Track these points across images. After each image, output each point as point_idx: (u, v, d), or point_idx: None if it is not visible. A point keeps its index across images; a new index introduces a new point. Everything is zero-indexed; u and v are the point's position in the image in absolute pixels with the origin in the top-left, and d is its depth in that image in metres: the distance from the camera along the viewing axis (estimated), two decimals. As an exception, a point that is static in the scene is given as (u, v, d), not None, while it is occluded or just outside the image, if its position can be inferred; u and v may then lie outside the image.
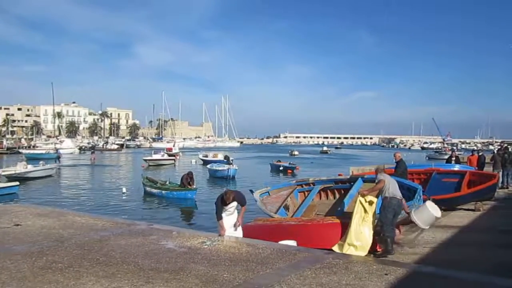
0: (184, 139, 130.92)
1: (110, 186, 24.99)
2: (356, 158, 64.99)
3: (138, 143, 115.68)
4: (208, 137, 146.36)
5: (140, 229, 7.82)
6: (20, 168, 26.46)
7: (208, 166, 33.41)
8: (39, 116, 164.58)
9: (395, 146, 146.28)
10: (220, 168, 30.25)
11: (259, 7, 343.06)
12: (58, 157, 48.67)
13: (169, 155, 50.80)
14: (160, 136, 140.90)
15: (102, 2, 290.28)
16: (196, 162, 47.27)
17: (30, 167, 27.38)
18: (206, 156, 46.55)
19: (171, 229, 8.06)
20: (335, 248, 7.11)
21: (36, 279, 4.84)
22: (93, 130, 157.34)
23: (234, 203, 7.53)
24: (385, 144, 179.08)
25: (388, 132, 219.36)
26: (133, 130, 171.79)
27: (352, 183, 10.49)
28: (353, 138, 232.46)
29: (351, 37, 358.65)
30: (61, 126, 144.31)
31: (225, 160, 34.45)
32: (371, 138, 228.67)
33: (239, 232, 7.61)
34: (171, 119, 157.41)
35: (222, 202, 7.42)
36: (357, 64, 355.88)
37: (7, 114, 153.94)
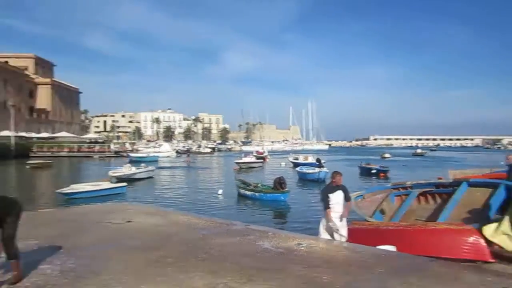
0: (272, 142, 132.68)
1: (205, 188, 26.22)
2: (454, 161, 60.52)
3: (229, 147, 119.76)
4: (296, 140, 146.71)
5: (237, 229, 8.09)
6: (126, 170, 28.97)
7: (298, 168, 33.46)
8: (139, 122, 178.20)
9: (501, 148, 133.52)
10: (310, 171, 30.14)
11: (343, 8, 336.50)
12: (156, 160, 52.19)
13: (258, 158, 51.91)
14: (249, 139, 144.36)
15: (190, 12, 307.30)
16: (285, 164, 47.66)
17: (134, 169, 29.85)
18: (297, 158, 46.73)
19: (266, 230, 8.23)
20: (486, 233, 6.65)
21: (149, 271, 5.26)
22: (187, 134, 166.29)
23: (340, 194, 7.57)
24: (489, 146, 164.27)
25: (491, 132, 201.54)
26: (224, 134, 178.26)
27: (455, 187, 9.78)
28: (451, 139, 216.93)
29: (443, 33, 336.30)
30: (159, 131, 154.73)
31: (317, 163, 34.23)
32: (472, 139, 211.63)
33: (344, 230, 7.66)
34: (259, 122, 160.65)
35: (328, 190, 7.58)
36: (450, 61, 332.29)
37: (113, 121, 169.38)
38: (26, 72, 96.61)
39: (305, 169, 31.43)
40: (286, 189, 19.33)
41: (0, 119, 78.82)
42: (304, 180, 29.45)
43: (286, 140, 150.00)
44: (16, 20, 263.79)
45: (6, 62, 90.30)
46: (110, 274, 5.13)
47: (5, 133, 66.75)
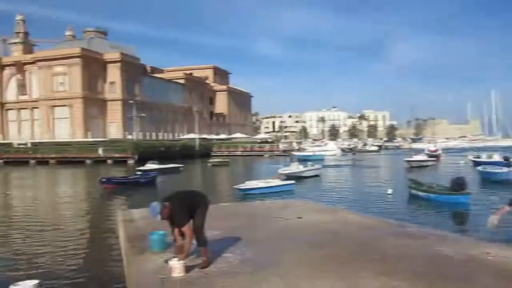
0: (446, 138, 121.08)
1: (373, 187, 25.42)
2: None
3: (397, 144, 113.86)
4: (476, 136, 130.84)
5: (411, 231, 7.57)
6: (294, 168, 30.15)
7: (480, 168, 29.77)
8: (305, 122, 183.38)
9: None
10: (497, 171, 26.50)
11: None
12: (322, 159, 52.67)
13: (430, 156, 47.96)
14: (419, 136, 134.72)
15: (351, 8, 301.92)
16: (465, 163, 42.92)
17: (301, 167, 30.84)
18: (478, 156, 41.66)
19: (445, 234, 7.50)
20: None
21: (319, 266, 5.32)
22: (352, 132, 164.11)
23: None
24: None
25: None
26: (391, 131, 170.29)
27: None
28: None
29: None
30: (324, 130, 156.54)
31: (504, 161, 29.91)
32: None
33: None
34: (431, 118, 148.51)
35: None
36: None
37: (281, 122, 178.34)
38: (207, 81, 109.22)
39: (489, 168, 27.74)
40: (467, 191, 17.37)
41: (187, 124, 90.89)
42: (489, 181, 26.01)
43: (463, 136, 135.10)
44: (196, 35, 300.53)
45: (191, 73, 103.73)
46: (285, 266, 5.36)
47: (191, 135, 76.55)
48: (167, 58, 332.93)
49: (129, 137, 68.44)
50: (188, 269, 5.07)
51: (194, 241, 5.40)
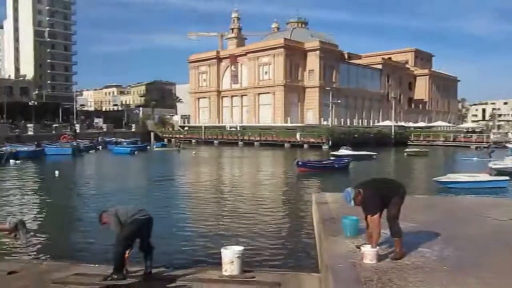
0: None
1: None
2: None
3: None
4: None
5: None
6: (510, 162, 25.99)
7: None
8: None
9: None
10: None
11: None
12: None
13: None
14: None
15: None
16: None
17: (517, 163, 26.33)
18: None
19: None
20: None
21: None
22: None
23: None
24: None
25: None
26: None
27: None
28: None
29: None
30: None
31: None
32: None
33: None
34: None
35: None
36: None
37: (493, 109, 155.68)
38: (407, 66, 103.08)
39: None
40: None
41: (383, 110, 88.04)
42: None
43: None
44: (396, 18, 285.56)
45: (390, 58, 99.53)
46: (489, 271, 4.74)
47: (387, 123, 73.84)
48: (365, 44, 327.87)
49: (324, 123, 70.35)
50: (380, 258, 4.97)
51: (387, 231, 5.25)
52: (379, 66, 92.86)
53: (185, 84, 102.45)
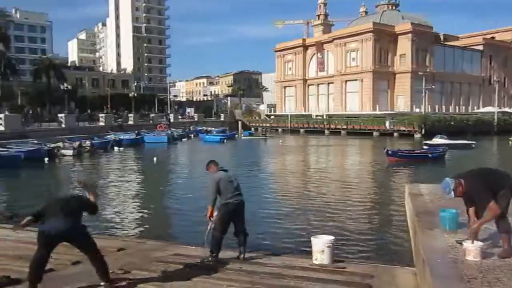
0: None
1: None
2: None
3: None
4: None
5: None
6: None
7: None
8: None
9: None
10: None
11: None
12: None
13: None
14: None
15: None
16: None
17: None
18: None
19: None
20: None
21: None
22: None
23: None
24: None
25: None
26: None
27: None
28: None
29: None
30: None
31: None
32: None
33: None
34: None
35: None
36: None
37: None
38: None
39: None
40: None
41: (484, 95, 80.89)
42: None
43: None
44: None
45: (492, 38, 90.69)
46: None
47: (488, 109, 67.75)
48: (463, 24, 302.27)
49: (417, 110, 66.51)
50: (485, 255, 4.64)
51: (493, 226, 4.87)
52: (480, 47, 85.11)
53: (271, 73, 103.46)
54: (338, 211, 12.91)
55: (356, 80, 75.17)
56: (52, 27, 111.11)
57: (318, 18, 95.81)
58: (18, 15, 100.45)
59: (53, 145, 30.44)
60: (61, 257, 5.92)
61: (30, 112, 52.24)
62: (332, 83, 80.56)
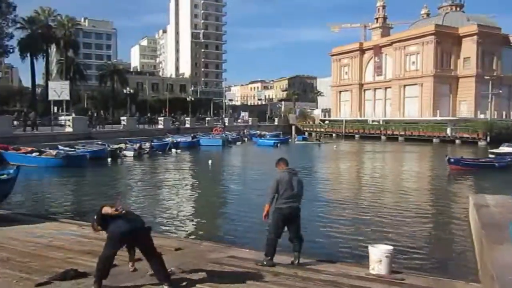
0: None
1: None
2: None
3: None
4: None
5: None
6: None
7: None
8: None
9: None
10: None
11: None
12: None
13: None
14: None
15: None
16: None
17: None
18: None
19: None
20: None
21: None
22: None
23: None
24: None
25: None
26: None
27: None
28: None
29: None
30: None
31: None
32: None
33: None
34: None
35: None
36: None
37: None
38: None
39: None
40: None
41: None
42: None
43: None
44: None
45: None
46: None
47: None
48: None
49: (481, 116, 62.86)
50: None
51: None
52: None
53: (326, 78, 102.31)
54: (395, 220, 12.47)
55: (415, 84, 72.43)
56: (117, 34, 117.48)
57: (377, 21, 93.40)
58: (86, 23, 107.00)
59: (116, 146, 32.02)
60: (122, 253, 6.19)
61: (95, 114, 55.27)
62: (389, 87, 78.20)
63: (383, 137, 62.34)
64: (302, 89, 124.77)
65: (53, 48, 75.47)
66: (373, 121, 72.74)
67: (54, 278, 5.25)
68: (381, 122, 69.85)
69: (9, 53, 57.21)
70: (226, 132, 55.57)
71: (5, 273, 5.52)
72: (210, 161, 27.99)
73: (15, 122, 36.00)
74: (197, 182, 21.24)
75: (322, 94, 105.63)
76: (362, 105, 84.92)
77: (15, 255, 6.56)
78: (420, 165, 32.34)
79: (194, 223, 11.93)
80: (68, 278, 5.28)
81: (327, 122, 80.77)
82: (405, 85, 74.63)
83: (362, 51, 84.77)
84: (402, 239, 10.21)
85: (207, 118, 70.07)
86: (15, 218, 10.37)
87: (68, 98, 38.40)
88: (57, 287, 5.06)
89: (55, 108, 45.71)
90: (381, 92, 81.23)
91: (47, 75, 66.54)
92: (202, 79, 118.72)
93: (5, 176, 10.58)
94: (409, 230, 11.25)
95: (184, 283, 5.28)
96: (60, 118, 43.20)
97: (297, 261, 6.44)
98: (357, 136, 66.88)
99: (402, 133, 60.45)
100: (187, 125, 57.31)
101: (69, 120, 36.88)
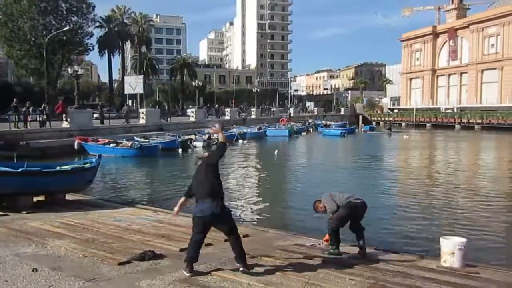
0: None
1: None
2: None
3: None
4: None
5: None
6: None
7: None
8: None
9: None
10: None
11: None
12: None
13: None
14: None
15: None
16: None
17: None
18: None
19: None
20: None
21: None
22: None
23: None
24: None
25: None
26: None
27: None
28: None
29: None
30: None
31: None
32: None
33: None
34: None
35: None
36: None
37: None
38: None
39: None
40: None
41: None
42: None
43: None
44: None
45: None
46: None
47: None
48: None
49: None
50: None
51: None
52: None
53: (395, 65, 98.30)
54: (468, 213, 11.83)
55: (494, 68, 67.29)
56: (186, 29, 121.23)
57: (452, 2, 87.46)
58: (158, 19, 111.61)
59: (186, 137, 33.29)
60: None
61: (166, 107, 57.77)
62: (465, 72, 73.37)
63: (457, 126, 58.89)
64: (370, 77, 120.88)
65: (128, 45, 79.85)
66: (446, 109, 68.86)
67: (134, 258, 5.70)
68: (455, 110, 65.94)
69: (90, 51, 61.21)
70: (292, 123, 55.50)
71: (92, 252, 6.07)
72: (276, 152, 28.20)
73: (94, 115, 38.67)
74: (263, 172, 21.56)
75: (391, 82, 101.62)
76: (435, 92, 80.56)
77: (99, 236, 7.18)
78: (499, 155, 30.17)
79: (261, 211, 12.19)
80: (147, 259, 5.70)
81: (396, 110, 77.78)
82: (483, 70, 69.62)
83: (435, 34, 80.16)
84: (475, 232, 9.69)
85: (272, 109, 70.38)
86: (97, 203, 11.31)
87: (141, 91, 40.50)
88: (137, 266, 5.48)
89: (130, 102, 48.49)
90: (455, 78, 76.48)
91: (123, 70, 70.72)
92: (268, 70, 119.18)
93: (88, 164, 11.56)
94: (482, 224, 10.64)
95: (256, 269, 5.42)
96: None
97: (363, 251, 6.40)
98: (428, 125, 63.77)
99: (479, 121, 56.72)
100: (253, 116, 58.01)
101: (142, 113, 38.77)
